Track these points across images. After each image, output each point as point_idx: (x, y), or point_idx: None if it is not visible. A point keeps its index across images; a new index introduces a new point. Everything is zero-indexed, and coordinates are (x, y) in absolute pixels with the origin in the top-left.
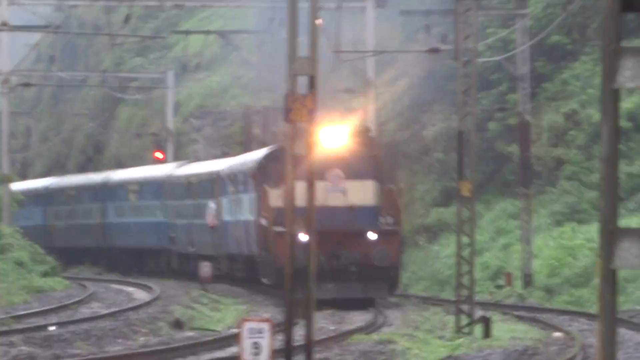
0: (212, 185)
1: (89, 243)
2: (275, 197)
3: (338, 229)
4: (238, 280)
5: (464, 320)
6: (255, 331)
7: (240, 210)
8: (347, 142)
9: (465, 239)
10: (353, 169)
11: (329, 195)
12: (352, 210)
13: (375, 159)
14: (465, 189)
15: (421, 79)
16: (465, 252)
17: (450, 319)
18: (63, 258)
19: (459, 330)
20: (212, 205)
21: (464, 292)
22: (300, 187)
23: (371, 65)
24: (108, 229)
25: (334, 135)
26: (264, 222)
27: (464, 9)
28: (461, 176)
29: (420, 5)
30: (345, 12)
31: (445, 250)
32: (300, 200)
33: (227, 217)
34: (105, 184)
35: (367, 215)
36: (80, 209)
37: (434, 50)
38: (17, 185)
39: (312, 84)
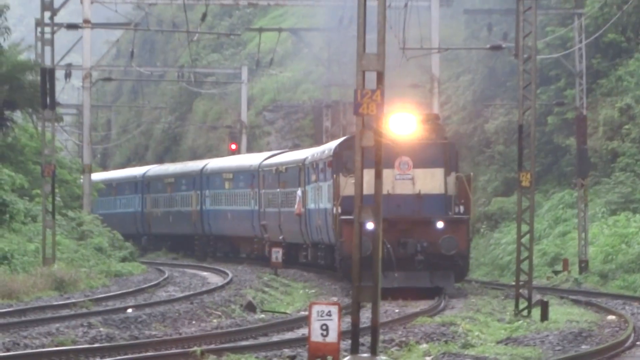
0: (298, 173)
1: (185, 230)
2: (346, 185)
3: (405, 217)
4: (320, 267)
5: (523, 303)
6: (324, 314)
7: (321, 198)
8: (417, 130)
9: (524, 227)
10: (422, 157)
11: (396, 183)
12: (420, 198)
13: (444, 146)
14: (525, 179)
15: (483, 75)
16: (525, 239)
17: (510, 303)
18: (160, 244)
19: (517, 313)
20: (299, 193)
21: (523, 277)
22: (368, 176)
23: (436, 62)
24: (205, 216)
25: (403, 123)
26: (335, 209)
27: (525, 8)
28: (521, 167)
29: (483, 5)
30: (412, 10)
31: (505, 237)
32: (369, 188)
33: (310, 205)
34: (202, 172)
35: (435, 204)
36: (177, 197)
37: (496, 48)
38: (99, 175)
39: (379, 79)
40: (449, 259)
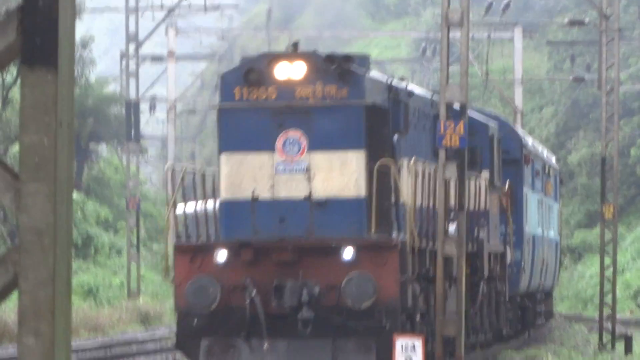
0: None
1: None
2: None
3: (286, 241)
4: None
5: (607, 337)
6: (408, 348)
7: None
8: (314, 82)
9: (607, 260)
10: (325, 131)
11: (279, 178)
12: (320, 206)
13: (367, 111)
14: (608, 211)
15: (566, 107)
16: (608, 272)
17: (594, 336)
18: None
19: (601, 347)
20: None
21: (607, 311)
22: (230, 164)
23: (519, 93)
24: None
25: (286, 67)
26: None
27: (608, 39)
28: (604, 199)
29: (566, 36)
30: (495, 42)
31: (588, 270)
32: (234, 188)
33: None
34: None
35: (347, 216)
36: None
37: (579, 79)
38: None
39: (462, 111)
40: (361, 317)
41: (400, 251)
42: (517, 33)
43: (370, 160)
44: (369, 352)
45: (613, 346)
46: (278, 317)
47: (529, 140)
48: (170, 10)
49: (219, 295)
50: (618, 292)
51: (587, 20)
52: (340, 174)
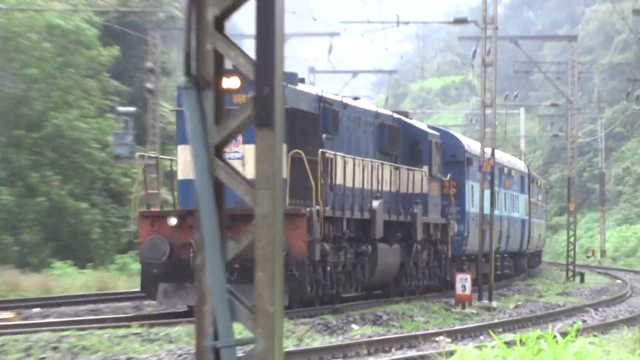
0: None
1: None
2: None
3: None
4: None
5: (570, 274)
6: (463, 279)
7: None
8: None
9: (571, 233)
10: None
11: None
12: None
13: (288, 109)
14: (572, 206)
15: (548, 150)
16: (571, 239)
17: (563, 274)
18: None
19: (567, 279)
20: None
21: (571, 259)
22: (184, 154)
23: (522, 143)
24: None
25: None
26: None
27: (571, 114)
28: (569, 200)
29: (549, 111)
30: (509, 115)
31: (561, 237)
32: (185, 170)
33: None
34: None
35: None
36: None
37: (555, 135)
38: None
39: (492, 153)
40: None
41: (308, 219)
42: (522, 110)
43: (292, 150)
44: (284, 294)
45: (574, 279)
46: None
47: (473, 148)
48: None
49: (168, 250)
50: (577, 249)
51: (560, 103)
52: None
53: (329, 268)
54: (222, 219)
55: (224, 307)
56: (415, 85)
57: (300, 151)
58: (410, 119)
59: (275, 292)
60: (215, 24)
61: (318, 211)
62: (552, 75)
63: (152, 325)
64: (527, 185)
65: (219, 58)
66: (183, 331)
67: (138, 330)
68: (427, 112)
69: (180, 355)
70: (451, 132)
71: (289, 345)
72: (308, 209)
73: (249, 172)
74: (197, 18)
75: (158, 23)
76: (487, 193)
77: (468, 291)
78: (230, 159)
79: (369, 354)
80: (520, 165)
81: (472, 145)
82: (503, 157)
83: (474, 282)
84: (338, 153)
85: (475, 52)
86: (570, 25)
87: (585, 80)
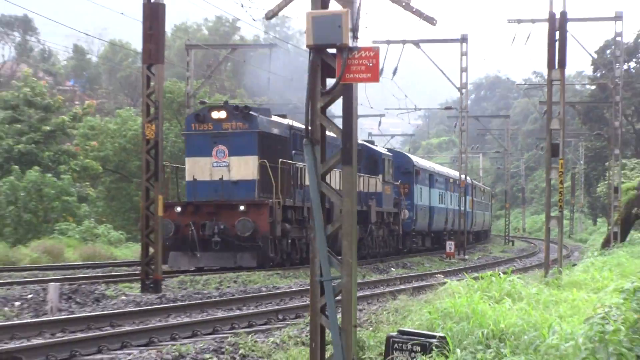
0: None
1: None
2: None
3: (210, 201)
4: None
5: (507, 241)
6: (450, 244)
7: None
8: (231, 121)
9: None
10: (236, 145)
11: (214, 170)
12: (235, 184)
13: (257, 135)
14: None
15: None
16: (508, 222)
17: (503, 241)
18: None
19: (505, 244)
20: None
21: (507, 233)
22: (190, 164)
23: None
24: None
25: (218, 115)
26: None
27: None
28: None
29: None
30: (473, 158)
31: (502, 222)
32: (190, 176)
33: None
34: None
35: (246, 189)
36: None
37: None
38: None
39: (465, 176)
40: (247, 240)
41: (270, 207)
42: (481, 155)
43: (261, 161)
44: (253, 259)
45: (509, 244)
46: (204, 240)
47: (421, 163)
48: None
49: (173, 229)
50: (510, 228)
51: (500, 150)
52: (245, 168)
53: (289, 240)
54: (324, 212)
55: (325, 259)
56: (424, 142)
57: (265, 160)
58: (376, 145)
59: (352, 251)
60: (321, 110)
61: (279, 202)
62: (497, 135)
63: (284, 270)
64: (459, 188)
65: (323, 128)
66: (303, 272)
67: (279, 272)
68: (430, 155)
69: (301, 285)
70: (405, 153)
71: (359, 279)
72: (270, 200)
73: (233, 175)
74: (312, 107)
75: None
76: (433, 192)
77: (452, 250)
78: (220, 166)
79: (400, 283)
80: (453, 174)
81: (420, 161)
82: (450, 173)
83: (456, 246)
84: (280, 161)
85: (455, 124)
86: (506, 109)
87: (514, 138)
